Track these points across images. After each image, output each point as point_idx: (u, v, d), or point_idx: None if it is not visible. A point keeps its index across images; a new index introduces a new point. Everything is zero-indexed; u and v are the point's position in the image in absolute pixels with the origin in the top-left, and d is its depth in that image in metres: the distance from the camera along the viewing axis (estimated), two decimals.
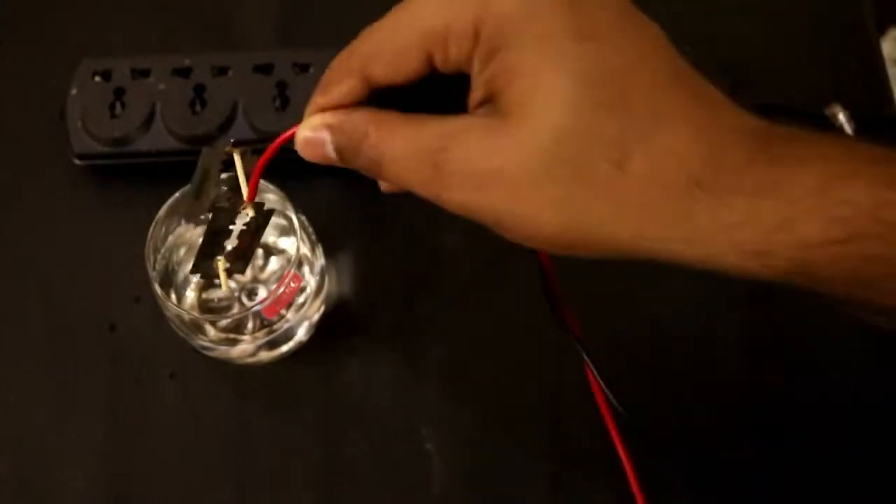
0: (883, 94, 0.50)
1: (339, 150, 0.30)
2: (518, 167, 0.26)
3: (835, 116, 0.48)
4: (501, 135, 0.27)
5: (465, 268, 0.47)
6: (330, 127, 0.30)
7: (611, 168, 0.26)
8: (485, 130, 0.27)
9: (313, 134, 0.30)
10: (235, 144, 0.36)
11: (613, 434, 0.36)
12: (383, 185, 0.33)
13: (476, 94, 0.28)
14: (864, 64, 0.51)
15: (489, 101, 0.28)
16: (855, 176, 0.25)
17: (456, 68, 0.28)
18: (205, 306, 0.43)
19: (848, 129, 0.48)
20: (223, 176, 0.35)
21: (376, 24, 0.29)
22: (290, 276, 0.39)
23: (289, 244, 0.43)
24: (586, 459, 0.43)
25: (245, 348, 0.42)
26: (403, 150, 0.28)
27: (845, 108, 0.48)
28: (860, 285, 0.26)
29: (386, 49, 0.29)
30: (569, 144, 0.26)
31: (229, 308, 0.43)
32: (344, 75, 0.30)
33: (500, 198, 0.27)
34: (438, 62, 0.28)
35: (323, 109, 0.30)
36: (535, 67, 0.26)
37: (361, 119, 0.29)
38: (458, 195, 0.28)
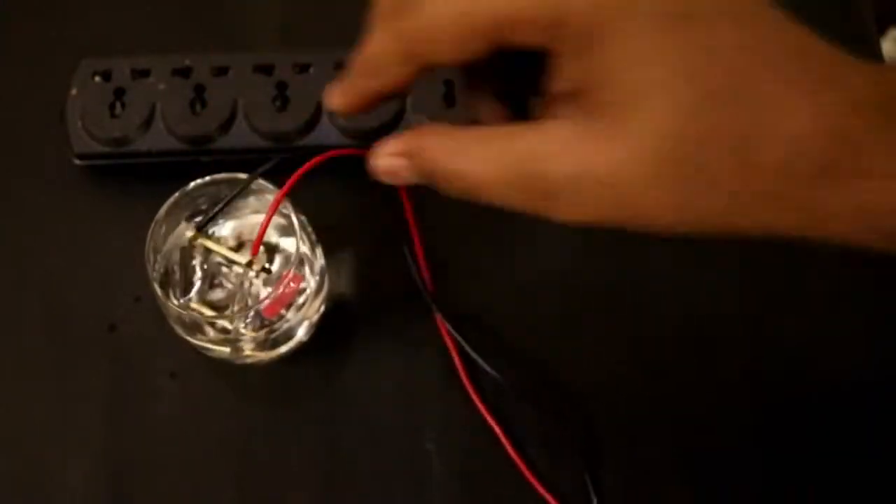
0: None
1: (421, 178, 0.29)
2: (632, 175, 0.25)
3: None
4: (604, 140, 0.25)
5: (466, 268, 0.47)
6: (406, 155, 0.29)
7: (736, 163, 0.24)
8: (583, 139, 0.25)
9: (389, 163, 0.29)
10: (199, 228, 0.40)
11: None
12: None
13: (558, 86, 0.27)
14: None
15: (575, 96, 0.26)
16: None
17: (526, 50, 0.26)
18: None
19: None
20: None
21: (430, 4, 0.26)
22: (289, 276, 0.39)
23: (289, 244, 0.43)
24: (586, 457, 0.43)
25: (245, 348, 0.42)
26: (496, 175, 0.27)
27: None
28: None
29: (446, 34, 0.26)
30: (686, 144, 0.24)
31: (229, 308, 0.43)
32: (394, 59, 0.28)
33: (614, 208, 0.26)
34: (507, 46, 0.26)
35: (369, 93, 0.29)
36: (634, 62, 0.24)
37: (440, 148, 0.28)
38: (567, 213, 0.26)
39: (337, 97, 0.31)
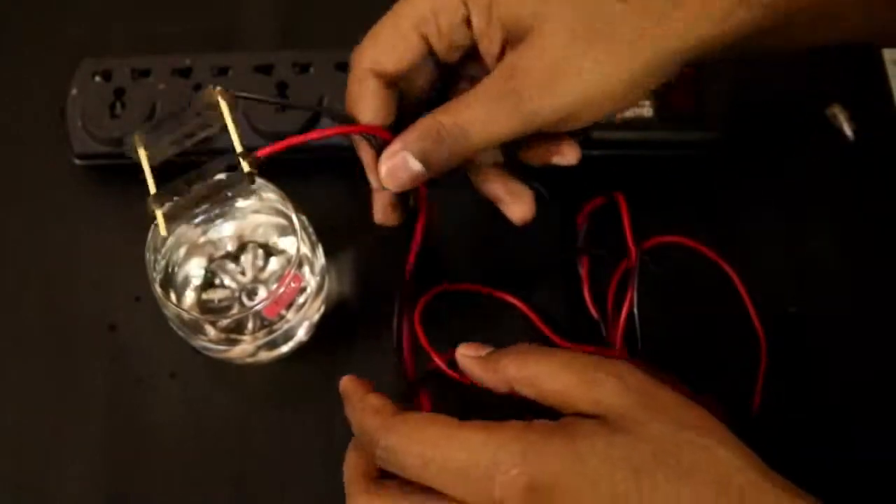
0: (883, 94, 0.50)
1: (423, 158, 0.34)
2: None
3: (835, 116, 0.48)
4: (537, 47, 0.32)
5: (466, 268, 0.47)
6: (405, 144, 0.34)
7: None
8: (529, 51, 0.33)
9: (393, 160, 0.34)
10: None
11: None
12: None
13: (493, 48, 0.35)
14: (864, 64, 0.51)
15: (506, 42, 0.34)
16: None
17: (448, 41, 0.34)
18: (205, 307, 0.43)
19: (848, 129, 0.48)
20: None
21: (373, 28, 0.34)
22: (290, 276, 0.39)
23: (289, 244, 0.43)
24: None
25: (245, 348, 0.42)
26: (484, 104, 0.33)
27: (845, 108, 0.48)
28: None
29: (387, 44, 0.34)
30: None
31: (229, 308, 0.43)
32: (360, 82, 0.34)
33: (571, 85, 0.33)
34: (434, 39, 0.33)
35: (365, 122, 0.35)
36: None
37: (429, 119, 0.34)
38: (538, 102, 0.33)
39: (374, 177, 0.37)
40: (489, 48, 0.35)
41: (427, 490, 0.30)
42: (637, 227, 0.46)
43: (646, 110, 0.46)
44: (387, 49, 0.34)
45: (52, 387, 0.45)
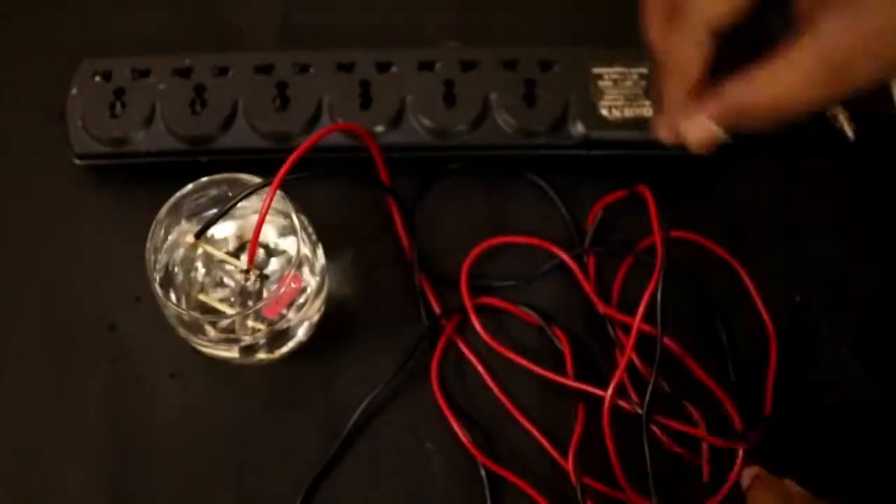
0: (883, 94, 0.50)
1: (728, 125, 0.33)
2: None
3: (835, 117, 0.48)
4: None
5: (466, 266, 0.47)
6: (710, 114, 0.33)
7: None
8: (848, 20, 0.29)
9: (696, 125, 0.34)
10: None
11: None
12: None
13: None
14: None
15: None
16: None
17: None
18: (204, 306, 0.43)
19: (848, 129, 0.48)
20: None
21: None
22: (290, 276, 0.39)
23: (289, 244, 0.43)
24: (587, 453, 0.43)
25: (245, 348, 0.42)
26: (796, 80, 0.30)
27: (845, 108, 0.48)
28: None
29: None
30: None
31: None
32: (698, 45, 0.31)
33: None
34: None
35: (693, 87, 0.33)
36: None
37: (732, 93, 0.32)
38: (861, 75, 0.29)
39: (663, 130, 0.35)
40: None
41: None
42: (637, 225, 0.46)
43: (646, 110, 0.46)
44: (722, 8, 0.30)
45: (52, 387, 0.45)
